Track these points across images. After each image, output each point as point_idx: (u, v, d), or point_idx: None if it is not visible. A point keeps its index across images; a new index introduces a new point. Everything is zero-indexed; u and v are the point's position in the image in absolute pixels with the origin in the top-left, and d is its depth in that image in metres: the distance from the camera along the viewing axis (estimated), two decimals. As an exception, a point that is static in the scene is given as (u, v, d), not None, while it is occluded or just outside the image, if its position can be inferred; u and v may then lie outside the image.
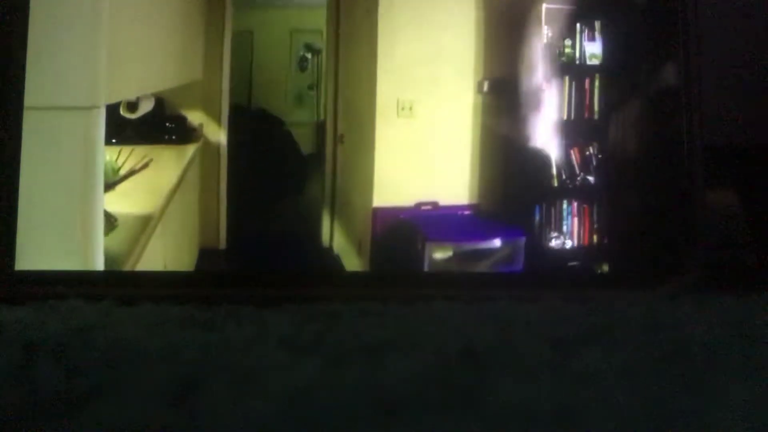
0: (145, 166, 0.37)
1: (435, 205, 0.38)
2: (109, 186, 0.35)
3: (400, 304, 0.30)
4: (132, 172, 0.36)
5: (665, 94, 0.34)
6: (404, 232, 0.38)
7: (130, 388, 0.21)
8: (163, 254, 0.38)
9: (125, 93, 0.37)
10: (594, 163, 0.37)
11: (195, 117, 0.40)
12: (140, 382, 0.22)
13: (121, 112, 0.37)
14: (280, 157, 0.42)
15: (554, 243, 0.37)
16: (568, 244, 0.37)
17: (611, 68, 0.37)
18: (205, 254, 0.39)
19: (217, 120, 0.40)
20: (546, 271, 0.37)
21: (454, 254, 0.37)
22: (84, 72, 0.33)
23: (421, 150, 0.39)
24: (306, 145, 0.43)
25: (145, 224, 0.36)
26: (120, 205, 0.35)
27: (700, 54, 0.33)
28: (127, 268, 0.34)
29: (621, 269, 0.35)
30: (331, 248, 0.40)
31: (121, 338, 0.26)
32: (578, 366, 0.24)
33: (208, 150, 0.40)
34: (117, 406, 0.20)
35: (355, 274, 0.37)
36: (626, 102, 0.36)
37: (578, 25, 0.37)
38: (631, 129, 0.36)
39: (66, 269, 0.32)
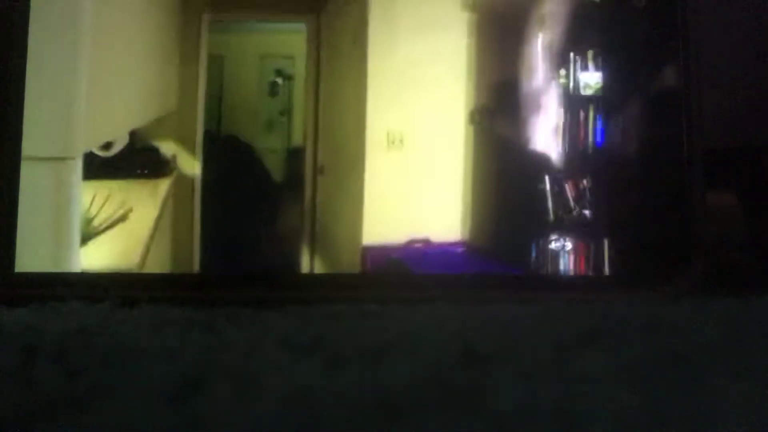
0: (123, 218, 0.35)
1: (427, 241, 0.38)
2: (84, 240, 0.33)
3: (400, 305, 0.30)
4: (108, 227, 0.34)
5: (664, 96, 0.34)
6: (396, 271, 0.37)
7: (130, 390, 0.21)
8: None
9: (102, 137, 0.35)
10: (589, 196, 0.36)
11: (167, 148, 0.38)
12: (140, 384, 0.22)
13: (95, 150, 0.35)
14: (251, 185, 0.41)
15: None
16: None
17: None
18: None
19: (191, 150, 0.38)
20: (547, 272, 0.37)
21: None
22: (59, 120, 0.31)
23: (412, 184, 0.38)
24: (278, 173, 0.42)
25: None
26: (95, 260, 0.33)
27: (699, 56, 0.33)
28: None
29: (622, 271, 0.35)
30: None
31: (121, 340, 0.26)
32: (580, 367, 0.24)
33: (182, 182, 0.38)
34: (117, 407, 0.20)
35: (354, 276, 0.37)
36: (626, 105, 0.36)
37: (572, 54, 0.37)
38: (631, 131, 0.36)
39: (65, 271, 0.32)
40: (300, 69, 0.42)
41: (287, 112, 0.43)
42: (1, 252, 0.31)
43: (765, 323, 0.29)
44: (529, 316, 0.29)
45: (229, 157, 0.40)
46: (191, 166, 0.39)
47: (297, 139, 0.43)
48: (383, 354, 0.24)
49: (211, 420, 0.20)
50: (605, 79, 0.36)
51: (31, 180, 0.31)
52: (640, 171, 0.35)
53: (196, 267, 0.37)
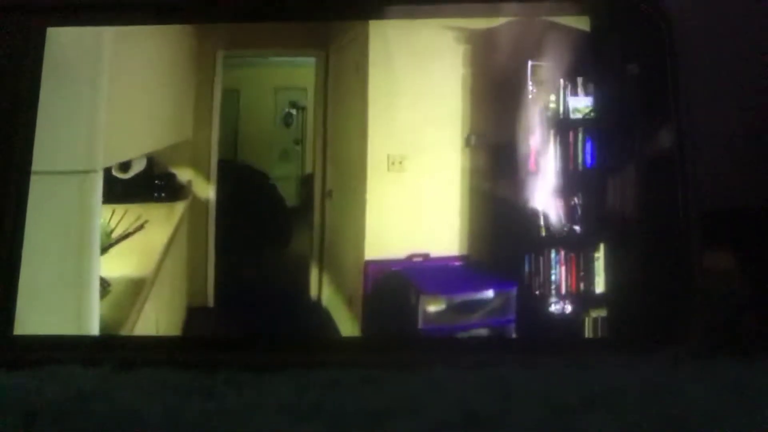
0: (140, 228, 0.37)
1: (426, 256, 0.39)
2: (103, 249, 0.35)
3: (399, 369, 0.30)
4: (125, 236, 0.36)
5: (660, 160, 0.35)
6: (397, 284, 0.38)
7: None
8: (156, 316, 0.38)
9: (121, 155, 0.37)
10: (578, 213, 0.37)
11: (184, 174, 0.41)
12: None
13: (113, 173, 0.37)
14: (266, 211, 0.43)
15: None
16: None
17: (601, 126, 0.38)
18: (194, 312, 0.39)
19: (206, 176, 0.41)
20: (545, 335, 0.37)
21: (447, 306, 0.37)
22: (82, 136, 0.33)
23: (412, 203, 0.39)
24: (291, 199, 0.44)
25: (138, 288, 0.36)
26: (112, 268, 0.35)
27: (693, 117, 0.34)
28: (123, 333, 0.34)
29: (620, 334, 0.35)
30: (319, 302, 0.40)
31: (120, 404, 0.25)
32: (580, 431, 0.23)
33: (197, 206, 0.40)
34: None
35: (354, 339, 0.37)
36: (620, 166, 0.36)
37: (561, 81, 0.38)
38: (627, 194, 0.36)
39: (64, 334, 0.32)
40: (312, 100, 0.44)
41: (301, 140, 0.44)
42: (0, 316, 0.31)
43: (766, 388, 0.28)
44: (529, 380, 0.29)
45: (242, 183, 0.42)
46: (206, 191, 0.41)
47: (310, 166, 0.44)
48: (384, 419, 0.24)
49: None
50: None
51: (57, 192, 0.33)
52: (637, 237, 0.35)
53: (210, 288, 0.39)
